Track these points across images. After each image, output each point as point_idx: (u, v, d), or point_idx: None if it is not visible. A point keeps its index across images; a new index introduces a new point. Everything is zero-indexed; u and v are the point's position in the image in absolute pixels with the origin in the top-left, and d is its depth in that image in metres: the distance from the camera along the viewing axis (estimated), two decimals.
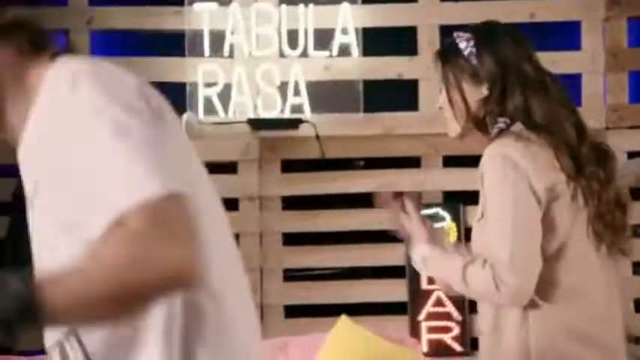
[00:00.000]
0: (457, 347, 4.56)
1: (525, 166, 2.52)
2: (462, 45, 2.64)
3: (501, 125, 2.59)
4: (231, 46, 4.69)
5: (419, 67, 4.74)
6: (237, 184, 4.61)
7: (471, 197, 4.66)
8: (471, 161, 4.65)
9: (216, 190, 1.73)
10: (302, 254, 4.73)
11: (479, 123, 2.65)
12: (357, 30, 4.72)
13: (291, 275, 4.74)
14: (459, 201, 4.64)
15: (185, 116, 4.70)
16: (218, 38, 4.68)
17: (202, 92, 4.65)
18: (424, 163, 4.75)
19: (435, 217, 4.60)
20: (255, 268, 4.60)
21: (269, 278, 4.66)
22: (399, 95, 4.84)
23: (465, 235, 4.59)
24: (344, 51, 4.71)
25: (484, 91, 2.62)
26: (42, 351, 1.74)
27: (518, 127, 2.58)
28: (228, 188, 4.54)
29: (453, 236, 4.57)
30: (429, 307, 4.58)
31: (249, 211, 4.62)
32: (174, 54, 4.73)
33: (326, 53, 4.71)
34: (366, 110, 4.74)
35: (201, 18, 4.68)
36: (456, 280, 2.57)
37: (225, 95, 4.66)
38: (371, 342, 2.34)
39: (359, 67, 4.73)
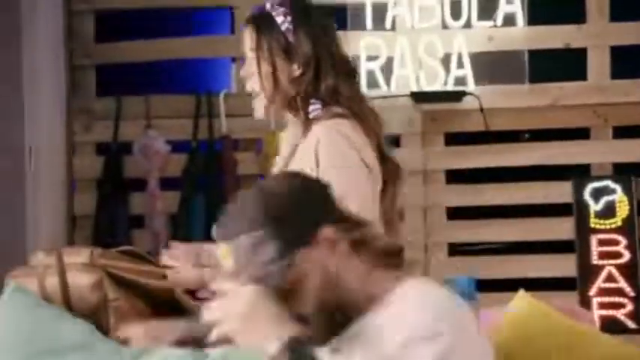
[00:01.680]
0: (630, 324, 4.43)
1: (359, 143, 2.47)
2: (279, 19, 2.57)
3: (318, 106, 2.52)
4: (394, 19, 4.65)
5: (587, 35, 4.59)
6: (401, 158, 4.54)
7: None
8: None
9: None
10: (467, 228, 4.67)
11: (289, 101, 2.57)
12: None
13: (456, 250, 4.68)
14: (630, 173, 4.49)
15: None
16: (380, 11, 4.65)
17: (365, 66, 4.63)
18: (593, 134, 4.61)
19: (605, 190, 4.47)
20: (419, 242, 4.57)
21: (434, 252, 4.62)
22: (566, 65, 4.70)
23: (638, 209, 4.45)
24: (509, 20, 4.61)
25: (296, 69, 2.55)
26: None
27: (337, 109, 2.52)
28: None
29: (624, 210, 4.44)
30: (599, 283, 4.46)
31: (413, 185, 4.57)
32: (337, 28, 4.71)
33: (490, 23, 4.61)
34: (532, 81, 4.63)
35: None
36: None
37: (387, 68, 4.63)
38: (552, 319, 2.27)
39: (524, 37, 4.62)
